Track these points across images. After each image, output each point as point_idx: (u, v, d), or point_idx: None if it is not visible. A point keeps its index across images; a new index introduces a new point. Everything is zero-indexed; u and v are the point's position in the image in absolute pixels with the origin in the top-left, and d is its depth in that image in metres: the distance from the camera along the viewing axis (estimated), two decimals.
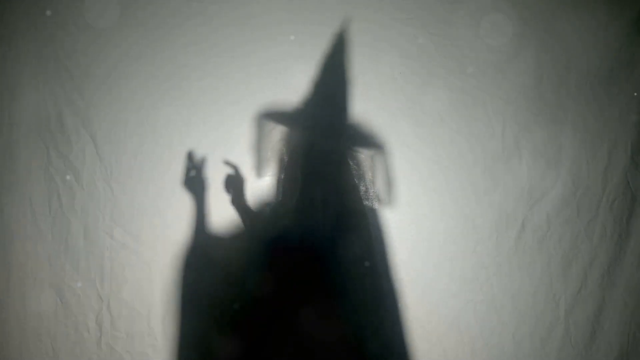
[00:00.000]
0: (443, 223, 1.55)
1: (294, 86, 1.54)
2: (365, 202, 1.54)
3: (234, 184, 1.54)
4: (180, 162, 1.54)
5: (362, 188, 1.55)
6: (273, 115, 1.56)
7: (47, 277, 1.52)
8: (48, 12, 1.55)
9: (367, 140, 1.56)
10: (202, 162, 1.54)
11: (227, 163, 1.54)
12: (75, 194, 1.53)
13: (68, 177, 1.54)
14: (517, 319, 1.53)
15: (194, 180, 1.54)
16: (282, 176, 1.54)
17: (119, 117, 1.55)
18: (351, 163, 1.55)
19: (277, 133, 1.55)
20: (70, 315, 1.51)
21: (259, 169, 1.55)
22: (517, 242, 1.55)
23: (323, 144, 1.55)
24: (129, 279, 1.52)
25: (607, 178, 1.54)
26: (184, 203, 1.53)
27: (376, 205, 1.55)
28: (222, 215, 1.53)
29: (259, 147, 1.55)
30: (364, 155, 1.56)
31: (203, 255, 1.53)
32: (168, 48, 1.55)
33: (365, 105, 1.55)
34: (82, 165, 1.54)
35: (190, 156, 1.55)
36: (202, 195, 1.53)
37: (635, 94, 1.51)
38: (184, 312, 1.51)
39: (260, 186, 1.54)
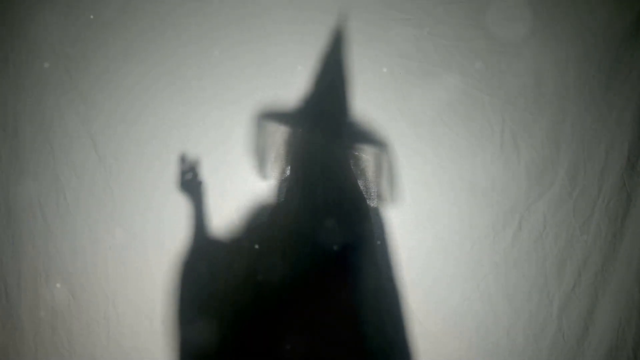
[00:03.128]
0: (441, 222, 1.63)
1: (293, 86, 1.62)
2: (368, 202, 1.62)
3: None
4: (178, 160, 1.63)
5: (365, 187, 1.63)
6: (273, 116, 1.63)
7: (58, 273, 1.64)
8: (48, 13, 1.64)
9: (369, 140, 1.63)
10: (196, 164, 1.62)
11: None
12: (79, 193, 1.64)
13: (72, 178, 1.64)
14: (512, 316, 1.62)
15: (190, 183, 1.62)
16: (284, 176, 1.63)
17: (117, 117, 1.64)
18: (353, 162, 1.63)
19: (277, 133, 1.63)
20: (82, 310, 1.63)
21: (260, 170, 1.63)
22: (514, 242, 1.63)
23: (324, 143, 1.63)
24: (132, 278, 1.63)
25: (604, 178, 1.60)
26: (183, 202, 1.62)
27: (378, 205, 1.63)
28: (223, 215, 1.63)
29: (259, 148, 1.64)
30: (366, 154, 1.63)
31: (204, 254, 1.62)
32: (166, 47, 1.63)
33: (365, 106, 1.62)
34: (83, 165, 1.64)
35: (183, 159, 1.63)
36: (199, 197, 1.62)
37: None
38: (186, 311, 1.61)
39: (262, 187, 1.63)
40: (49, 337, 1.63)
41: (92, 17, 1.62)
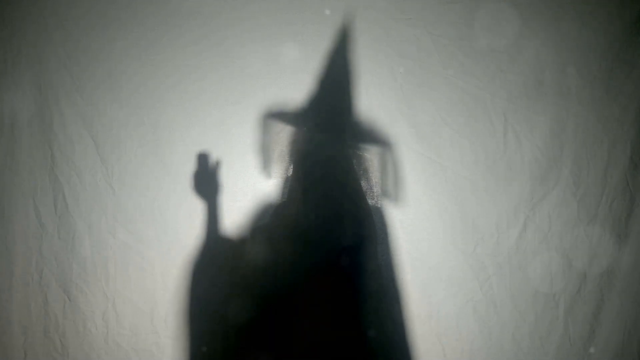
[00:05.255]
0: (443, 223, 1.67)
1: (294, 86, 1.66)
2: (370, 201, 1.65)
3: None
4: (179, 161, 1.66)
5: (367, 187, 1.66)
6: (276, 115, 1.67)
7: (54, 275, 1.66)
8: (49, 13, 1.68)
9: (372, 139, 1.67)
10: (215, 165, 1.66)
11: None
12: (80, 194, 1.67)
13: (73, 178, 1.67)
14: (516, 319, 1.65)
15: (204, 183, 1.66)
16: (286, 176, 1.66)
17: (119, 117, 1.68)
18: (355, 162, 1.66)
19: (280, 133, 1.67)
20: (79, 312, 1.65)
21: (263, 169, 1.67)
22: (518, 242, 1.66)
23: (327, 143, 1.66)
24: (133, 277, 1.66)
25: (607, 178, 1.65)
26: (185, 202, 1.66)
27: (380, 205, 1.66)
28: (226, 215, 1.66)
29: (262, 147, 1.67)
30: (369, 153, 1.67)
31: (207, 254, 1.65)
32: (168, 48, 1.67)
33: (366, 106, 1.67)
34: (84, 166, 1.67)
35: (201, 158, 1.66)
36: (212, 199, 1.65)
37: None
38: (187, 311, 1.63)
39: (265, 186, 1.66)
40: (39, 341, 1.65)
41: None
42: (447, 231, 1.67)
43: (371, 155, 1.68)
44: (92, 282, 1.66)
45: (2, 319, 1.65)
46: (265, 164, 1.67)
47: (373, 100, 1.68)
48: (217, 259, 1.65)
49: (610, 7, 1.63)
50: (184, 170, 1.67)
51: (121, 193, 1.67)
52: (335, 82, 1.68)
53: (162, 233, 1.66)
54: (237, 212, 1.66)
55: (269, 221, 1.65)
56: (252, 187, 1.67)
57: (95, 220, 1.67)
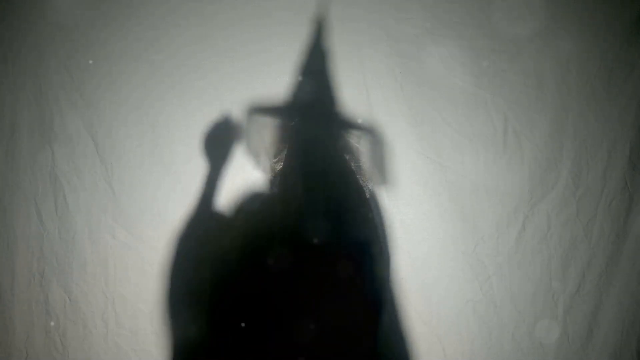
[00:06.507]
0: (443, 223, 1.68)
1: (294, 86, 1.67)
2: (370, 201, 1.67)
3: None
4: (179, 161, 1.68)
5: (367, 186, 1.68)
6: (274, 113, 1.69)
7: (55, 275, 1.68)
8: (49, 14, 1.69)
9: (372, 137, 1.69)
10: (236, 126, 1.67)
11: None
12: (80, 194, 1.68)
13: (73, 178, 1.69)
14: (516, 319, 1.66)
15: (217, 145, 1.67)
16: (285, 174, 1.68)
17: (118, 117, 1.69)
18: (355, 161, 1.68)
19: (275, 129, 1.69)
20: (79, 312, 1.67)
21: (257, 164, 1.68)
22: (518, 242, 1.68)
23: (325, 141, 1.69)
24: (132, 278, 1.67)
25: (606, 178, 1.66)
26: (185, 202, 1.67)
27: (380, 204, 1.68)
28: (222, 208, 1.68)
29: (257, 143, 1.69)
30: (369, 151, 1.68)
31: (202, 251, 1.67)
32: (167, 47, 1.69)
33: (365, 106, 1.68)
34: (84, 166, 1.69)
35: (227, 118, 1.67)
36: (220, 162, 1.66)
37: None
38: (185, 310, 1.65)
39: (258, 181, 1.68)
40: (41, 341, 1.67)
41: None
42: (447, 231, 1.69)
43: (371, 153, 1.69)
44: (92, 282, 1.68)
45: (4, 318, 1.67)
46: (264, 161, 1.69)
47: (373, 100, 1.69)
48: (211, 252, 1.66)
49: (610, 7, 1.64)
50: (183, 170, 1.69)
51: (121, 193, 1.69)
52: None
53: (162, 233, 1.68)
54: (235, 211, 1.67)
55: (263, 215, 1.66)
56: (252, 187, 1.68)
57: (95, 220, 1.69)
